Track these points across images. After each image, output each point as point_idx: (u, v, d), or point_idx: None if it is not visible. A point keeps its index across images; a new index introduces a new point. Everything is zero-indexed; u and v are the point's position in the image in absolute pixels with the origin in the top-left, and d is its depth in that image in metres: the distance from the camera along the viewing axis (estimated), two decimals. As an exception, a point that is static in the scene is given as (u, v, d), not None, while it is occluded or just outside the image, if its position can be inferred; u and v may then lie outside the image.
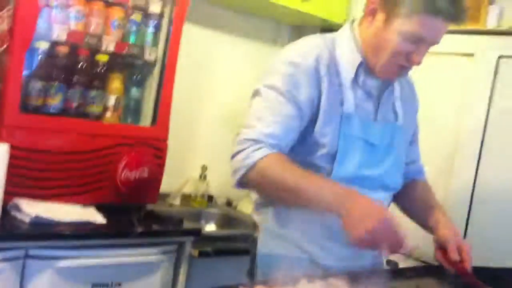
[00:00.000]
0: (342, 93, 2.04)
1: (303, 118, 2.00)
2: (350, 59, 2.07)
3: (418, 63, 2.01)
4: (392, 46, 1.97)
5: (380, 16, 2.00)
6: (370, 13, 2.04)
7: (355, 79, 2.07)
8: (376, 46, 2.02)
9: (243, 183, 1.96)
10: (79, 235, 2.54)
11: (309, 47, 2.06)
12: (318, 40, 2.11)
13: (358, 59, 2.06)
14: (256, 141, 1.92)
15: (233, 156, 1.96)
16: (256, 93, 2.04)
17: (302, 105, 1.98)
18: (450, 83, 3.30)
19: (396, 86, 2.20)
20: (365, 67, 2.07)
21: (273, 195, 2.00)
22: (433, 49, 3.23)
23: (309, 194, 1.86)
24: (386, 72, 2.05)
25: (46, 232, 2.44)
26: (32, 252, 2.39)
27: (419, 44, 1.96)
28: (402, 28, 1.93)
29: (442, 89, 3.31)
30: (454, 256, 2.06)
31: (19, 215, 2.46)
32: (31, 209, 2.47)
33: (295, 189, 1.87)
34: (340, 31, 2.15)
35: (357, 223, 1.76)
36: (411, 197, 2.34)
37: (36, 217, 2.43)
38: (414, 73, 2.35)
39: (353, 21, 2.15)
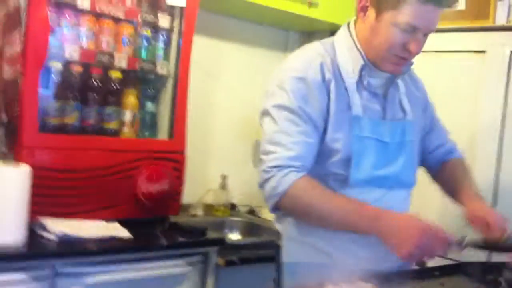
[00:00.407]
0: (348, 96, 2.04)
1: (319, 130, 2.01)
2: (351, 62, 2.07)
3: (417, 52, 2.00)
4: (387, 39, 1.97)
5: (371, 12, 2.01)
6: (362, 10, 2.05)
7: (359, 81, 2.07)
8: (372, 42, 2.03)
9: (278, 209, 1.99)
10: (106, 250, 2.55)
11: (311, 57, 2.06)
12: (318, 47, 2.11)
13: (359, 61, 2.07)
14: (281, 167, 1.93)
15: (262, 185, 1.98)
16: (266, 114, 2.04)
17: (315, 118, 1.99)
18: (463, 82, 3.29)
19: (401, 83, 2.20)
20: (368, 68, 2.07)
21: (307, 219, 2.01)
22: (444, 48, 3.27)
23: (343, 221, 1.89)
24: (389, 66, 2.05)
25: (74, 249, 2.46)
26: (60, 269, 2.41)
27: (414, 33, 1.96)
28: (394, 20, 1.94)
29: (455, 87, 3.30)
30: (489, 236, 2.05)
31: (45, 234, 2.48)
32: (57, 227, 2.48)
33: (329, 216, 1.90)
34: (337, 34, 2.16)
35: (401, 241, 1.78)
36: (443, 180, 2.38)
37: (63, 235, 2.45)
38: (427, 74, 2.38)
39: (348, 23, 2.16)
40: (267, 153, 1.98)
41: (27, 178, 2.39)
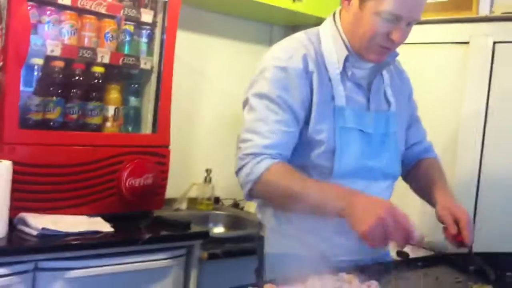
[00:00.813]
0: (332, 87, 2.04)
1: (298, 120, 2.00)
2: (336, 52, 2.07)
3: (400, 42, 2.00)
4: (370, 29, 1.97)
5: (355, 1, 2.00)
6: None
7: (343, 72, 2.07)
8: (355, 31, 2.02)
9: (252, 195, 2.00)
10: (87, 245, 2.55)
11: (294, 48, 2.05)
12: (303, 37, 2.11)
13: (344, 51, 2.07)
14: (256, 154, 1.93)
15: (237, 172, 1.99)
16: (246, 103, 2.05)
17: (295, 108, 1.99)
18: (447, 73, 3.31)
19: (385, 74, 2.20)
20: (352, 58, 2.07)
21: (281, 204, 2.01)
22: (428, 39, 3.28)
23: (313, 200, 1.86)
24: (372, 55, 2.04)
25: (55, 244, 2.45)
26: (41, 264, 2.41)
27: (397, 22, 1.95)
28: (376, 9, 1.93)
29: (439, 79, 3.32)
30: (452, 230, 2.03)
31: (26, 229, 2.48)
32: (38, 222, 2.48)
33: (299, 197, 1.87)
34: (323, 24, 2.16)
35: (362, 218, 1.75)
36: (417, 176, 2.35)
37: (44, 229, 2.45)
38: (410, 65, 2.38)
39: (334, 12, 2.15)
40: (244, 141, 1.99)
41: (8, 173, 2.39)
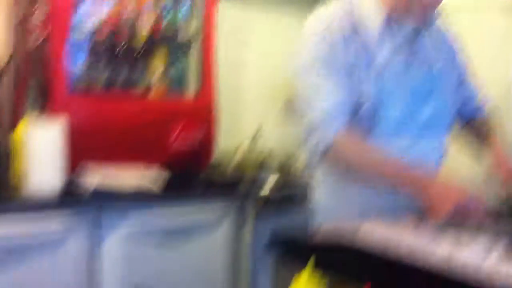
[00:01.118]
0: (371, 50, 2.05)
1: (349, 81, 2.02)
2: (374, 14, 2.07)
3: (438, 2, 2.01)
4: None
5: None
6: None
7: (382, 34, 2.06)
8: None
9: (324, 161, 2.04)
10: (141, 200, 2.68)
11: (332, 12, 2.07)
12: (339, 3, 2.11)
13: (381, 14, 2.06)
14: (322, 120, 1.97)
15: (306, 139, 2.03)
16: (296, 74, 2.08)
17: (344, 71, 2.01)
18: (493, 39, 3.27)
19: (428, 34, 2.17)
20: (391, 20, 2.07)
21: (352, 172, 2.04)
22: (473, 6, 3.25)
23: (387, 179, 1.94)
24: (413, 16, 2.05)
25: (109, 199, 2.59)
26: (96, 220, 2.55)
27: None
28: None
29: (486, 45, 3.26)
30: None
31: (82, 184, 2.61)
32: (93, 177, 2.63)
33: (372, 173, 1.95)
34: None
35: (438, 205, 1.81)
36: (470, 134, 2.35)
37: (99, 185, 2.59)
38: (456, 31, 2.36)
39: None
40: (305, 109, 2.02)
41: (62, 131, 2.53)
